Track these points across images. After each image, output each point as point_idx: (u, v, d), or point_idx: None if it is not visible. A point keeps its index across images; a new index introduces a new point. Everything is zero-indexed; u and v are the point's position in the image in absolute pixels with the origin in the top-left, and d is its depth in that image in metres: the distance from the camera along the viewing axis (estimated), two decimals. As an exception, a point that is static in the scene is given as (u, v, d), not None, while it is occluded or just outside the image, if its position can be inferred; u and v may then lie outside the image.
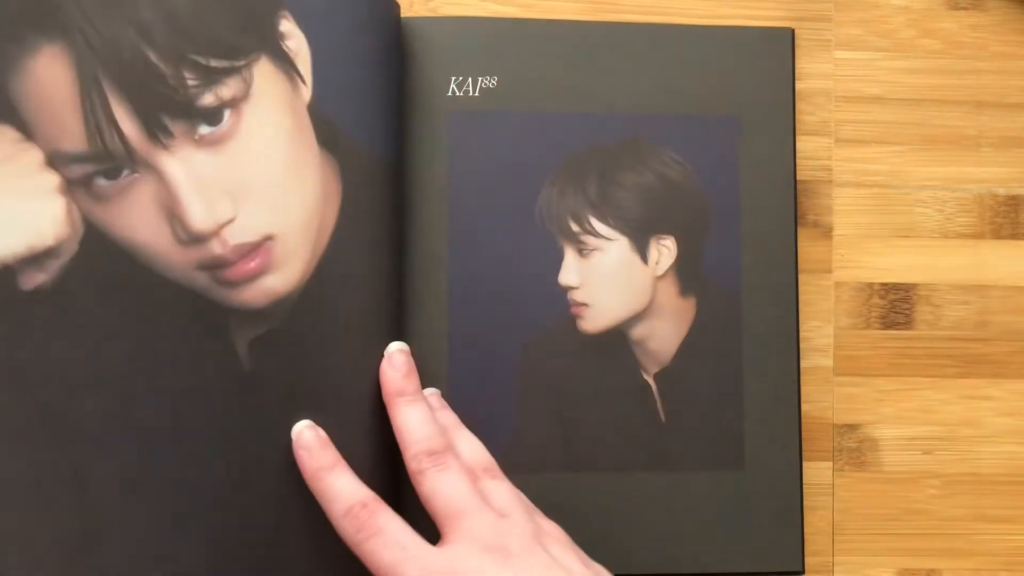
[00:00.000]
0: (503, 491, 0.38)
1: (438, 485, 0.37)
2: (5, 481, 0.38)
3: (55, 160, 0.38)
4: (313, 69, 0.41)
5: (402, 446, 0.39)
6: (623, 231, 0.45)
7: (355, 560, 0.37)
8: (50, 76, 0.38)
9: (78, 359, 0.38)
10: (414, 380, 0.40)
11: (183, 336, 0.39)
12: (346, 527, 0.37)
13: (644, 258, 0.45)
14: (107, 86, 0.38)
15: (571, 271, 0.45)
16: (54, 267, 0.38)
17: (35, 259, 0.38)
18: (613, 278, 0.45)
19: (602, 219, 0.45)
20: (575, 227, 0.45)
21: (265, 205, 0.40)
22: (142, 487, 0.38)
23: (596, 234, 0.45)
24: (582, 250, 0.45)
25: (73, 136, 0.38)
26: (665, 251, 0.45)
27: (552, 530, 0.39)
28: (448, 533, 0.37)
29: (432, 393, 0.43)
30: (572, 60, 0.46)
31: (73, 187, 0.38)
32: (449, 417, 0.41)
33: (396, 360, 0.41)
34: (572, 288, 0.45)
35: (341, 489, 0.38)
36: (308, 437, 0.39)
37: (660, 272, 0.45)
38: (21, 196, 0.38)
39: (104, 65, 0.38)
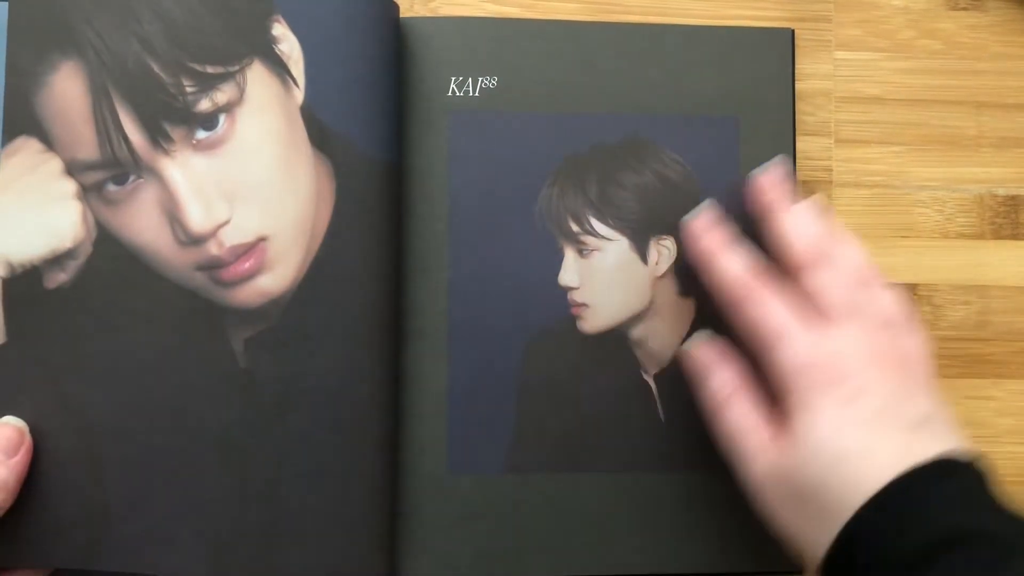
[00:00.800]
0: (884, 303, 0.39)
1: (820, 282, 0.38)
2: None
3: (72, 168, 0.40)
4: (306, 71, 0.41)
5: (785, 251, 0.40)
6: (623, 231, 0.45)
7: (349, 553, 0.38)
8: (67, 90, 0.40)
9: (92, 352, 0.40)
10: (787, 190, 0.41)
11: (184, 333, 0.40)
12: (737, 289, 0.39)
13: (644, 258, 0.45)
14: (115, 96, 0.40)
15: (571, 271, 0.45)
16: (72, 268, 0.40)
17: (57, 260, 0.40)
18: (613, 278, 0.45)
19: (602, 219, 0.45)
20: (575, 227, 0.45)
21: (259, 206, 0.41)
22: (149, 472, 0.40)
23: (596, 234, 0.45)
24: (582, 250, 0.45)
25: (87, 145, 0.40)
26: (665, 251, 0.45)
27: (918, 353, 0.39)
28: (833, 324, 0.38)
29: (810, 202, 0.42)
30: (572, 60, 0.46)
31: (87, 193, 0.40)
32: (826, 225, 0.41)
33: (765, 177, 0.42)
34: (572, 288, 0.45)
35: (733, 261, 0.40)
36: (702, 221, 0.41)
37: (660, 272, 0.45)
38: (44, 202, 0.40)
39: (112, 77, 0.40)
